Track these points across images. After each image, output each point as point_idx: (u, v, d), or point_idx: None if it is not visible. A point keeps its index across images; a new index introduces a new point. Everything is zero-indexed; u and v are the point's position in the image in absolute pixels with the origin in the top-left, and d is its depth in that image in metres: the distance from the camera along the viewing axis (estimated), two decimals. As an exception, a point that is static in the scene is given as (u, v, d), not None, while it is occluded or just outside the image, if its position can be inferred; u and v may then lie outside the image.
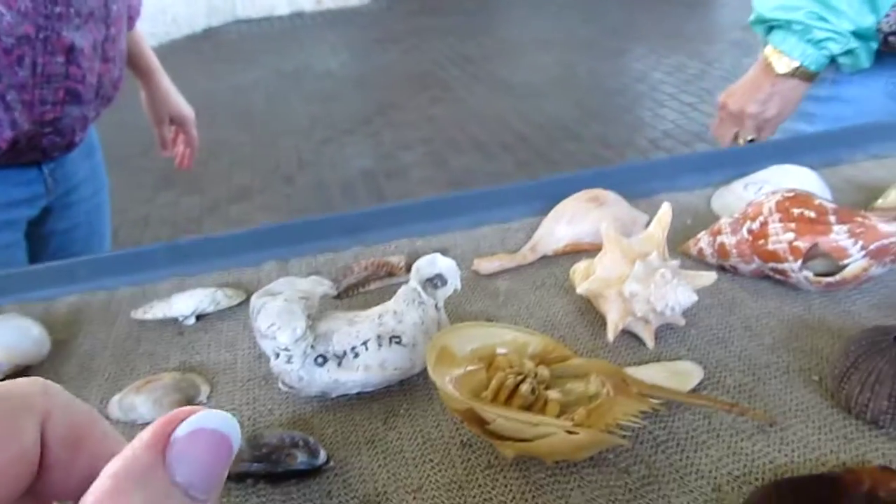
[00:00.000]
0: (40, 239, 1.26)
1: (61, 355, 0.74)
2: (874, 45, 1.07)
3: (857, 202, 0.90)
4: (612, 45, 6.75)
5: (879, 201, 0.86)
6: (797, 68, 1.09)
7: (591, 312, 0.71)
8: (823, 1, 1.02)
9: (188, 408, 0.24)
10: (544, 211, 0.87)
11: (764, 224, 0.71)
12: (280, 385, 0.63)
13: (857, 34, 1.03)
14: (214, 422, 0.23)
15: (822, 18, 1.03)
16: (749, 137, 1.22)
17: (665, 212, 0.69)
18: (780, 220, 0.70)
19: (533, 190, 0.93)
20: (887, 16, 1.04)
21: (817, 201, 0.70)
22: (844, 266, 0.68)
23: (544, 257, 0.82)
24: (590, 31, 7.29)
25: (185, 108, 1.51)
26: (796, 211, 0.70)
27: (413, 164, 4.26)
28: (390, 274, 0.80)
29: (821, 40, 1.05)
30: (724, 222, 0.77)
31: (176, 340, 0.75)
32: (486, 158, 4.24)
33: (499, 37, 7.38)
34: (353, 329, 0.62)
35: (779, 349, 0.65)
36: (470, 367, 0.57)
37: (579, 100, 5.14)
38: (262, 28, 9.22)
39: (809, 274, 0.70)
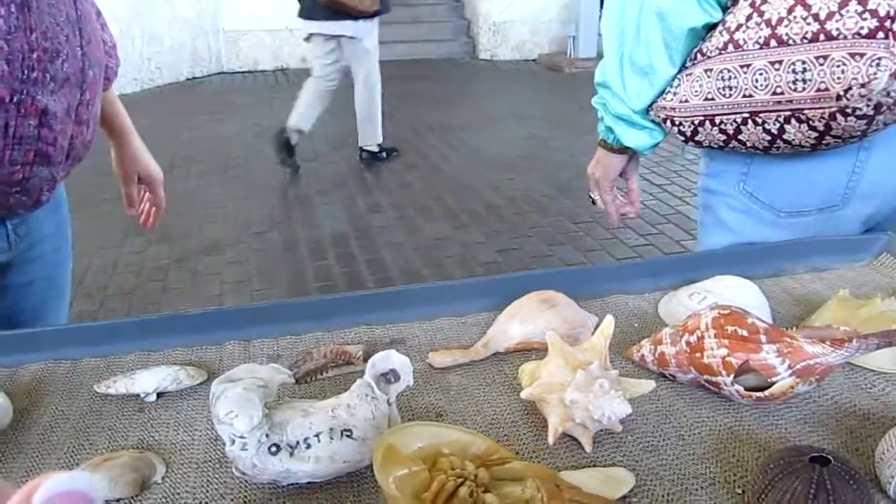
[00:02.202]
0: None
1: (23, 424, 0.76)
2: (656, 134, 1.24)
3: (795, 315, 0.96)
4: (585, 122, 6.93)
5: (813, 317, 0.92)
6: (600, 139, 1.32)
7: (534, 413, 0.75)
8: (598, 91, 1.26)
9: (41, 477, 0.26)
10: (499, 306, 0.92)
11: (700, 338, 0.76)
12: (234, 470, 0.66)
13: (618, 117, 1.23)
14: (67, 484, 0.25)
15: (602, 104, 1.26)
16: (590, 194, 1.43)
17: (608, 324, 0.74)
18: (715, 336, 0.75)
19: (488, 286, 0.98)
20: (653, 109, 1.20)
21: (750, 320, 0.76)
22: (773, 382, 0.73)
23: (496, 354, 0.86)
24: (564, 107, 7.49)
25: (154, 168, 1.53)
26: (730, 328, 0.75)
27: (384, 227, 4.32)
28: (348, 363, 0.83)
29: (600, 118, 1.28)
30: (665, 332, 0.82)
31: (136, 417, 0.77)
32: (457, 227, 4.31)
33: (476, 107, 7.55)
34: (307, 420, 0.66)
35: (708, 460, 0.69)
36: (414, 468, 0.60)
37: (551, 174, 5.26)
38: (245, 81, 9.33)
39: (740, 388, 0.74)
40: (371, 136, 5.66)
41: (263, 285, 3.64)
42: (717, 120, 1.10)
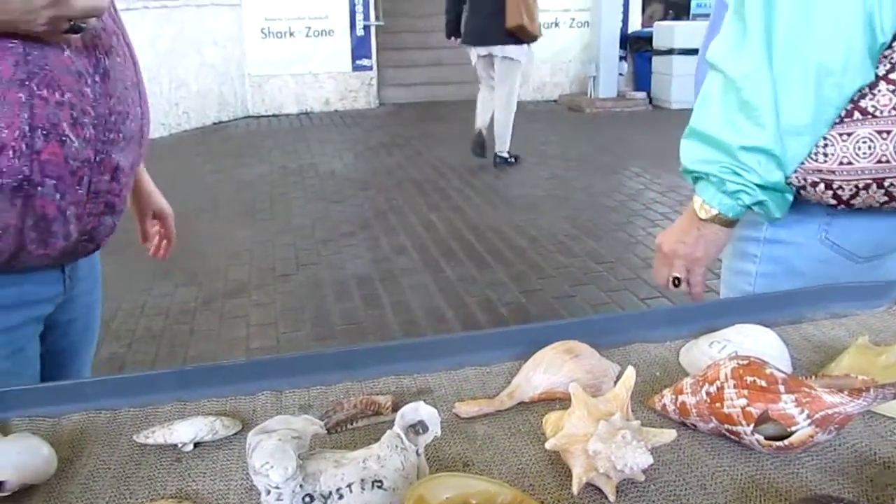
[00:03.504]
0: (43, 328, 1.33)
1: (66, 474, 0.79)
2: (789, 197, 1.16)
3: (814, 362, 0.98)
4: (606, 162, 6.97)
5: (832, 365, 0.94)
6: (716, 215, 1.19)
7: (559, 463, 0.77)
8: (735, 157, 1.12)
9: None
10: (523, 356, 0.95)
11: (720, 388, 0.78)
12: (268, 520, 0.68)
13: (766, 188, 1.13)
14: None
15: (735, 173, 1.13)
16: (675, 275, 1.30)
17: (629, 375, 0.76)
18: (735, 387, 0.77)
19: (513, 336, 1.01)
20: (795, 171, 1.13)
21: (768, 370, 0.77)
22: (793, 432, 0.75)
23: (521, 403, 0.88)
24: (585, 147, 7.54)
25: (165, 205, 1.67)
26: (749, 378, 0.77)
27: (408, 269, 4.36)
28: (377, 413, 0.86)
29: (734, 192, 1.14)
30: (685, 382, 0.84)
31: (174, 467, 0.80)
32: (480, 268, 4.34)
33: (499, 147, 7.62)
34: (339, 471, 0.68)
35: (730, 509, 0.71)
36: (443, 518, 0.62)
37: (573, 215, 5.29)
38: (270, 125, 9.51)
39: (760, 437, 0.76)
40: (504, 143, 6.86)
41: (289, 328, 3.68)
42: (888, 182, 1.08)
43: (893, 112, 1.05)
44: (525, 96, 10.37)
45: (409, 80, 10.69)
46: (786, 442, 0.75)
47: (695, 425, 0.82)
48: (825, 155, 1.10)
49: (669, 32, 9.72)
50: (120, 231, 1.27)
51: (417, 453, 0.71)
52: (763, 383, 0.76)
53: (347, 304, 3.93)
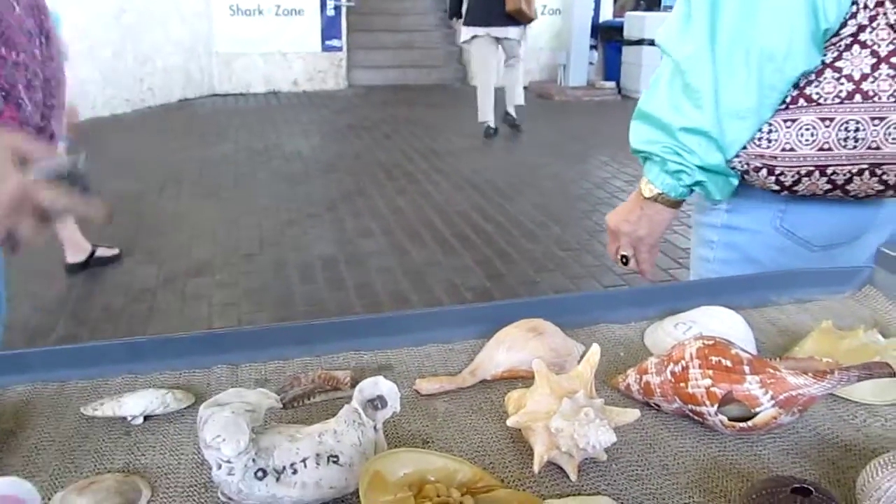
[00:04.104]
0: None
1: (8, 446, 0.76)
2: (733, 181, 1.17)
3: (779, 346, 0.97)
4: (575, 150, 6.99)
5: (796, 349, 0.93)
6: (659, 194, 1.20)
7: (520, 441, 0.75)
8: (676, 138, 1.12)
9: None
10: (486, 334, 0.93)
11: (685, 368, 0.77)
12: (220, 495, 0.66)
13: (706, 169, 1.13)
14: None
15: (676, 153, 1.13)
16: (623, 253, 1.31)
17: (594, 353, 0.75)
18: (700, 367, 0.76)
19: (476, 313, 0.99)
20: (738, 155, 1.13)
21: (734, 351, 0.77)
22: (756, 413, 0.74)
23: (483, 381, 0.87)
24: (553, 134, 7.55)
25: None
26: (714, 359, 0.76)
27: (374, 252, 4.33)
28: (336, 388, 0.84)
29: (675, 171, 1.15)
30: (650, 362, 0.83)
31: (122, 440, 0.77)
32: (446, 252, 4.32)
33: (467, 133, 7.61)
34: (294, 445, 0.66)
35: (691, 489, 0.70)
36: (399, 494, 0.60)
37: (540, 201, 5.30)
38: (237, 104, 9.38)
39: (724, 418, 0.75)
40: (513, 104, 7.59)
41: (252, 308, 3.63)
42: (830, 170, 1.08)
43: (836, 100, 1.04)
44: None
45: (379, 63, 10.60)
46: (749, 423, 0.74)
47: (658, 405, 0.81)
48: (769, 140, 1.09)
49: (640, 23, 9.74)
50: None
51: (375, 429, 0.69)
52: (728, 363, 0.75)
53: (311, 285, 3.89)
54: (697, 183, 1.16)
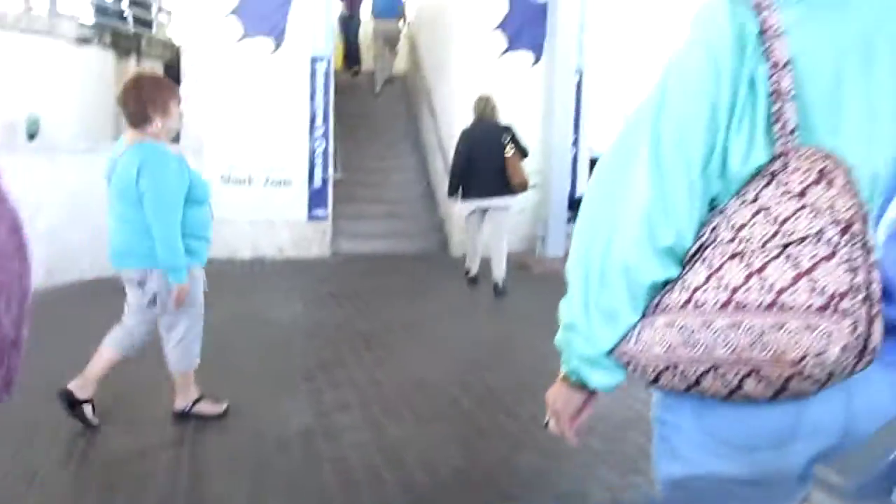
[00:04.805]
0: None
1: None
2: (616, 374, 1.30)
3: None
4: (553, 321, 7.09)
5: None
6: (564, 375, 1.37)
7: None
8: (563, 328, 1.32)
9: None
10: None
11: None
12: None
13: (584, 360, 1.29)
14: None
15: (566, 342, 1.32)
16: (547, 419, 1.45)
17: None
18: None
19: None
20: (614, 352, 1.26)
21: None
22: None
23: None
24: (531, 306, 7.70)
25: None
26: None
27: (349, 426, 4.33)
28: None
29: (566, 358, 1.33)
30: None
31: None
32: (422, 428, 4.33)
33: (446, 303, 7.78)
34: None
35: None
36: None
37: (518, 374, 5.36)
38: (223, 269, 9.54)
39: None
40: (503, 272, 8.11)
41: (224, 482, 3.59)
42: (680, 369, 1.17)
43: (678, 307, 1.17)
44: (475, 253, 10.66)
45: (363, 232, 10.93)
46: None
47: None
48: (636, 340, 1.23)
49: (614, 200, 10.13)
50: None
51: None
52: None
53: (287, 457, 3.86)
54: (575, 372, 1.31)
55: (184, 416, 4.27)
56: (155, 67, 11.58)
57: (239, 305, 7.30)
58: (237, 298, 7.59)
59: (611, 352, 1.27)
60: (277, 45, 10.10)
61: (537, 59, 10.76)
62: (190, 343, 4.15)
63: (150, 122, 3.76)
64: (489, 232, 8.16)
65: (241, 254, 10.25)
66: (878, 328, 1.06)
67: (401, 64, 14.47)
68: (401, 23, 13.99)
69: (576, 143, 11.04)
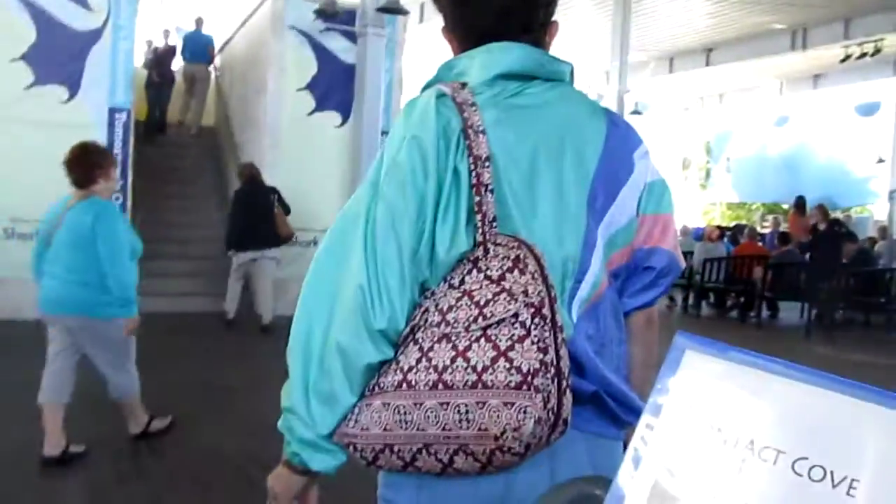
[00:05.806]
0: None
1: None
2: (337, 455, 1.30)
3: None
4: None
5: None
6: (285, 459, 1.34)
7: None
8: (283, 411, 1.31)
9: None
10: None
11: None
12: None
13: (303, 443, 1.29)
14: None
15: (285, 425, 1.32)
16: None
17: None
18: None
19: None
20: (336, 434, 1.28)
21: None
22: None
23: None
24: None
25: None
26: None
27: None
28: None
29: (286, 441, 1.31)
30: None
31: None
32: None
33: (253, 368, 7.53)
34: None
35: None
36: None
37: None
38: (1, 332, 8.75)
39: None
40: (271, 314, 9.38)
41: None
42: (396, 448, 1.21)
43: (392, 388, 1.22)
44: (282, 311, 10.43)
45: (169, 290, 10.46)
46: None
47: None
48: (355, 422, 1.26)
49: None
50: None
51: None
52: None
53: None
54: (295, 454, 1.30)
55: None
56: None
57: (15, 373, 6.69)
58: (15, 365, 6.95)
59: (331, 434, 1.28)
60: (72, 95, 9.60)
61: (345, 121, 10.88)
62: (130, 368, 4.78)
63: (95, 183, 4.45)
64: (260, 278, 9.43)
65: (26, 314, 9.39)
66: (567, 401, 1.15)
67: (210, 117, 14.17)
68: (210, 67, 14.33)
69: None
